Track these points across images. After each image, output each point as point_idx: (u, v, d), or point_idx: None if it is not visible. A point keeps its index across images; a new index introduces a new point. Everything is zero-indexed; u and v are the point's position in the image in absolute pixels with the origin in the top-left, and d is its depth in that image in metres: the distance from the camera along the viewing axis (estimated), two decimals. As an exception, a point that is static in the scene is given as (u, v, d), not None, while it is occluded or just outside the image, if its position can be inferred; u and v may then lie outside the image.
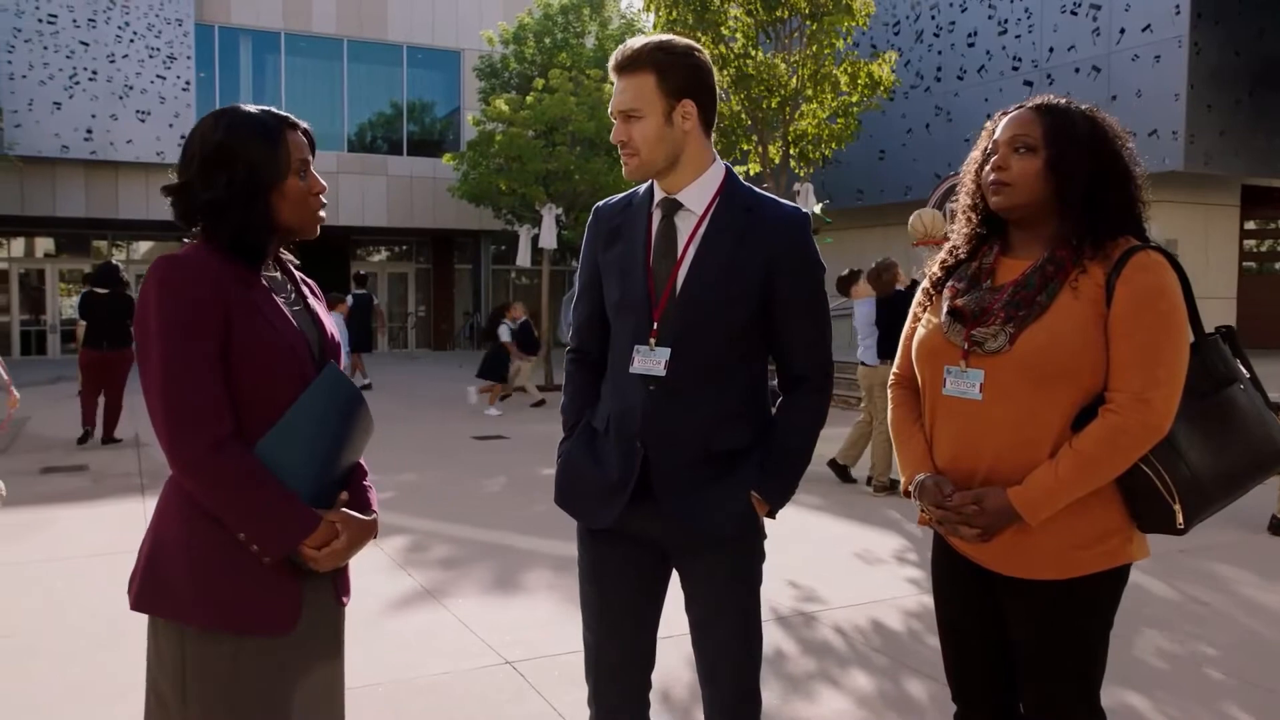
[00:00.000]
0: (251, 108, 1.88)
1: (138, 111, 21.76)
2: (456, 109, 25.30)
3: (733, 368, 2.19)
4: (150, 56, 22.07)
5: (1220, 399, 2.02)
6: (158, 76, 22.07)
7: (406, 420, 12.14)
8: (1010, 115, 2.10)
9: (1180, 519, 1.98)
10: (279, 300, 1.88)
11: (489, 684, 3.81)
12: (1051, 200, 2.04)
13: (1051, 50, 15.18)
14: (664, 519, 2.17)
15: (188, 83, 22.34)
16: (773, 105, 10.78)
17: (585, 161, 16.31)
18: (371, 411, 1.96)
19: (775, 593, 4.95)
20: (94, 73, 21.49)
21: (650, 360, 2.15)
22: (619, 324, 2.26)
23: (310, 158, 1.94)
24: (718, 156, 2.25)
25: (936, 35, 16.83)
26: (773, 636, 4.33)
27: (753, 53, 10.89)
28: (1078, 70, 14.81)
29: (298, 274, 2.07)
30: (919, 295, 2.29)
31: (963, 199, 2.22)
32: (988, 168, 2.09)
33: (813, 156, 11.11)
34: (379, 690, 3.73)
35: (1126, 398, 1.91)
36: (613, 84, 2.18)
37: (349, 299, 12.00)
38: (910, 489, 2.18)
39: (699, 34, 10.73)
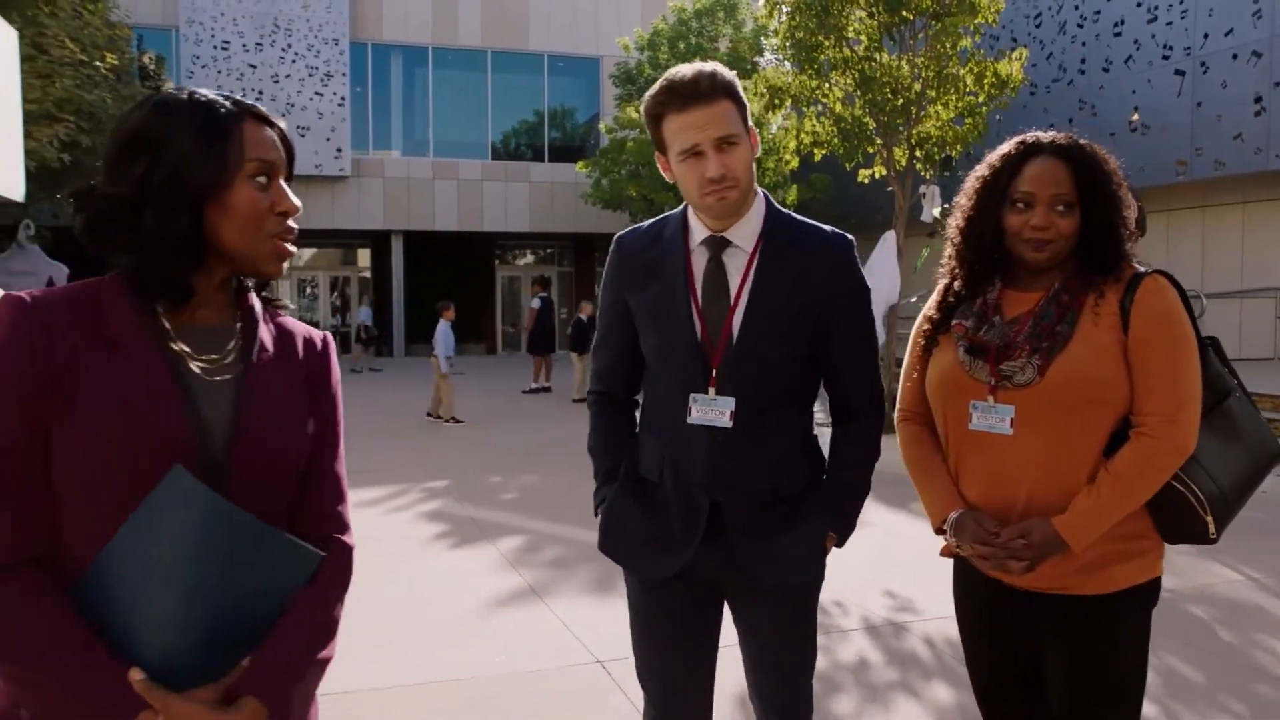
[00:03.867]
0: (207, 91, 1.38)
1: (298, 127, 23.18)
2: (596, 114, 25.87)
3: (793, 409, 2.15)
4: (309, 75, 23.48)
5: (1223, 410, 2.08)
6: (316, 94, 23.47)
7: (538, 418, 12.59)
8: (1040, 166, 2.06)
9: (1213, 529, 2.06)
10: (171, 368, 1.33)
11: (576, 681, 4.03)
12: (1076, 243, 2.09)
13: (1206, 36, 14.37)
14: (733, 567, 2.10)
15: (343, 98, 23.66)
16: (897, 106, 10.65)
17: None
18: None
19: (870, 602, 5.00)
20: (260, 92, 23.00)
21: (713, 410, 2.06)
22: (666, 370, 2.15)
23: (279, 162, 1.40)
24: (756, 185, 2.16)
25: (1080, 26, 16.16)
26: (859, 646, 4.40)
27: (876, 55, 10.79)
28: (1235, 56, 13.98)
29: (285, 323, 1.51)
30: (917, 336, 2.28)
31: (969, 236, 2.17)
32: (1025, 224, 2.05)
33: (937, 158, 10.92)
34: (473, 684, 4.01)
35: (1158, 420, 1.96)
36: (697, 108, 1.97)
37: (451, 307, 12.74)
38: (945, 527, 2.15)
39: (821, 38, 10.72)
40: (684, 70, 2.00)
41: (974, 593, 2.25)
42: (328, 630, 1.42)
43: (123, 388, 1.28)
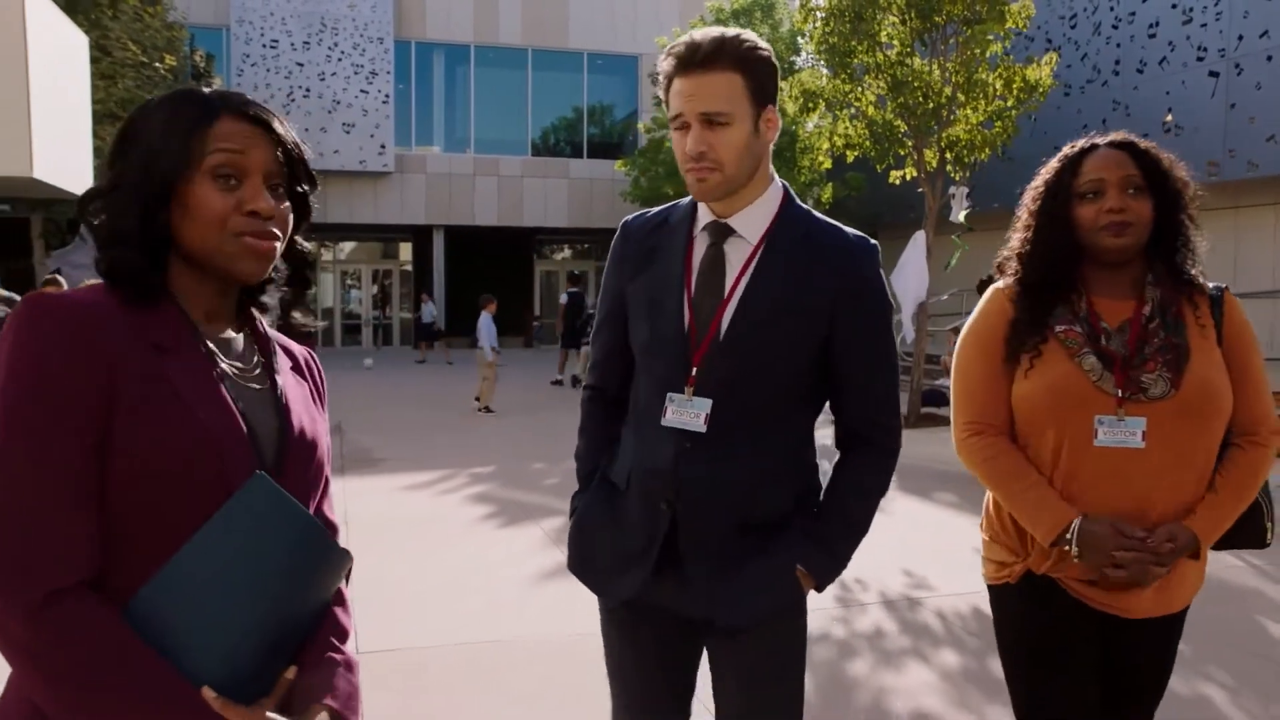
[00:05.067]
0: (219, 89, 1.35)
1: (344, 124, 23.81)
2: (634, 111, 26.27)
3: (781, 422, 1.89)
4: (355, 73, 24.09)
5: None
6: (361, 91, 24.07)
7: (576, 408, 12.98)
8: (1102, 155, 2.05)
9: (1271, 533, 2.15)
10: (218, 373, 1.29)
11: (617, 642, 4.43)
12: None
13: (1241, 38, 14.46)
14: (693, 595, 1.87)
15: (387, 95, 24.24)
16: (928, 110, 10.95)
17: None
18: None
19: (888, 578, 5.38)
20: (307, 90, 23.65)
21: (687, 412, 1.84)
22: (647, 365, 1.94)
23: (257, 161, 1.30)
24: (775, 174, 1.94)
25: (1115, 27, 16.29)
26: (875, 617, 4.78)
27: (908, 61, 11.09)
28: (1270, 58, 14.06)
29: (275, 337, 1.46)
30: (992, 344, 2.12)
31: (1038, 243, 2.10)
32: (1100, 211, 2.00)
33: (966, 161, 11.21)
34: (522, 643, 4.44)
35: (1269, 430, 2.05)
36: (683, 83, 1.79)
37: (494, 301, 13.44)
38: (1068, 536, 1.98)
39: (854, 43, 11.03)
40: (697, 32, 1.80)
41: (1053, 615, 2.11)
42: (349, 632, 1.41)
43: (179, 391, 1.22)
